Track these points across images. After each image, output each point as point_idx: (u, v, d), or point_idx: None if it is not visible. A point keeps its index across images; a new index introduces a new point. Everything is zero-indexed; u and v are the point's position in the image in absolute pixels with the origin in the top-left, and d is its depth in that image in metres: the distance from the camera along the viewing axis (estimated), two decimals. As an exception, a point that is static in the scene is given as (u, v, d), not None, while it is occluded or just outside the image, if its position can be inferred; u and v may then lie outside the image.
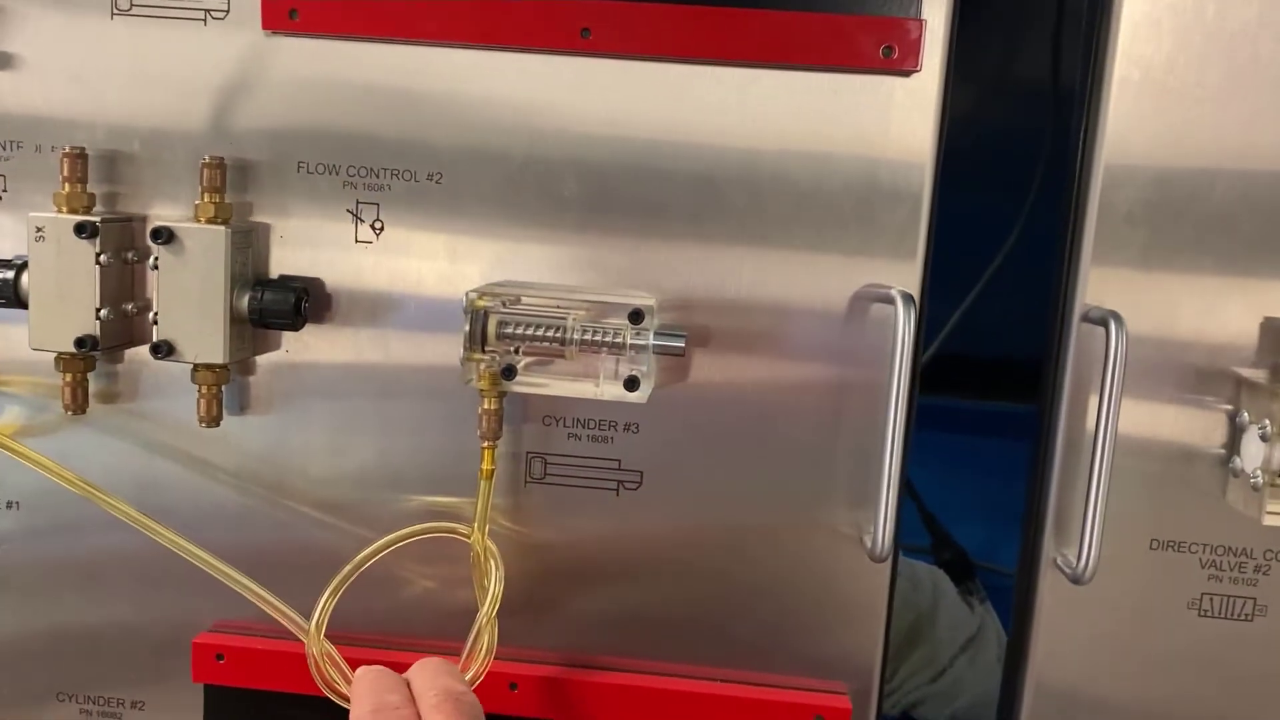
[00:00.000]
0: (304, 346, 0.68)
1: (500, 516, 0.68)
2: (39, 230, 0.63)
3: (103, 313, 0.64)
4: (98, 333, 0.64)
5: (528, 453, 0.68)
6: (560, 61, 0.64)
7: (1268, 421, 0.60)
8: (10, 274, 0.65)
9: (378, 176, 0.66)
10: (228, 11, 0.65)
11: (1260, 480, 0.60)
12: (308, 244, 0.67)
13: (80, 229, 0.63)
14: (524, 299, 0.64)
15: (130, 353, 0.68)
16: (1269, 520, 0.60)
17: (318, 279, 0.67)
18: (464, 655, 0.65)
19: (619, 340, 0.62)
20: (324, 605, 0.63)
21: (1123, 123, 0.63)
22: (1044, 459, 0.68)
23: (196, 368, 0.65)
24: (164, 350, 0.64)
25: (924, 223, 0.64)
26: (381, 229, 0.66)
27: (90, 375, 0.67)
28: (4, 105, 0.67)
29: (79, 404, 0.66)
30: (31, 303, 0.64)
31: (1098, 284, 0.64)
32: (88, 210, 0.65)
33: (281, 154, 0.66)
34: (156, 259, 0.63)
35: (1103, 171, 0.63)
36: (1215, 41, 0.62)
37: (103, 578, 0.71)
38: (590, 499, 0.68)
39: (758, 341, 0.66)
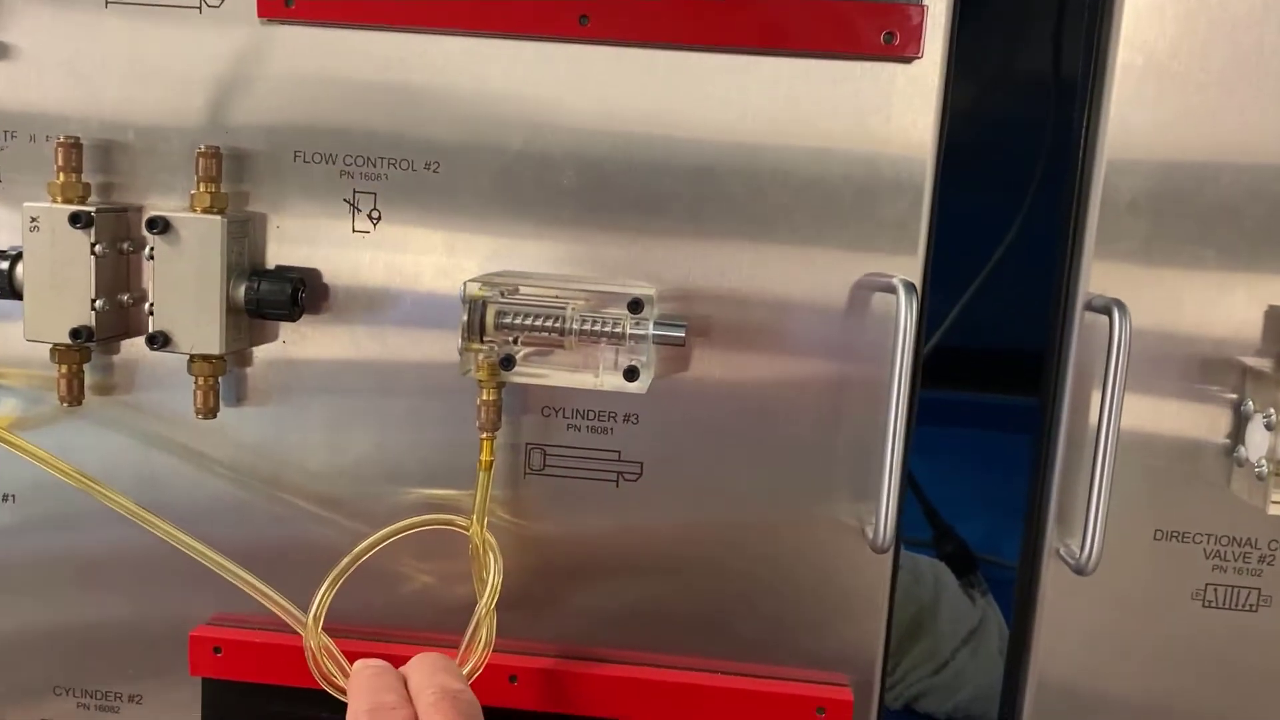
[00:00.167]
0: (301, 338, 0.67)
1: (499, 508, 0.68)
2: (34, 220, 0.63)
3: (98, 303, 0.63)
4: (93, 324, 0.64)
5: (527, 444, 0.67)
6: (558, 50, 0.64)
7: (1273, 410, 0.60)
8: (5, 265, 0.64)
9: (374, 165, 0.65)
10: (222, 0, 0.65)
11: (1265, 469, 0.60)
12: (304, 233, 0.66)
13: (75, 219, 0.62)
14: (522, 289, 0.63)
15: (126, 344, 0.68)
16: (1274, 510, 0.60)
17: (314, 269, 0.67)
18: (462, 647, 0.64)
19: (618, 330, 0.62)
20: (321, 598, 0.63)
21: (1126, 109, 0.62)
22: (1047, 450, 0.68)
23: (193, 359, 0.65)
24: (160, 341, 0.63)
25: (925, 213, 0.64)
26: (379, 218, 0.66)
27: (86, 367, 0.66)
28: (-2, 95, 0.66)
29: (75, 396, 0.66)
30: (26, 294, 0.64)
31: (1100, 275, 0.64)
32: (83, 200, 0.64)
33: (277, 143, 0.66)
34: (152, 249, 0.63)
35: (1105, 160, 0.63)
36: (1219, 28, 0.62)
37: (100, 571, 0.71)
38: (590, 490, 0.67)
39: (758, 333, 0.65)
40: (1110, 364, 0.60)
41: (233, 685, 0.69)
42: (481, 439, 0.65)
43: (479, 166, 0.65)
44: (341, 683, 0.62)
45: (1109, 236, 0.64)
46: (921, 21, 0.61)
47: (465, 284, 0.62)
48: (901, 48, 0.61)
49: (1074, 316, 0.65)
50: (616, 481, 0.67)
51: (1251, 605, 0.66)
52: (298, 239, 0.67)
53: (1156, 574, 0.66)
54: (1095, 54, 0.64)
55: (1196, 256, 0.63)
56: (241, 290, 0.64)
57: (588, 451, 0.67)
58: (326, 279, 0.67)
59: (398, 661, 0.61)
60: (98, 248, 0.63)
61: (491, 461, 0.65)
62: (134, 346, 0.68)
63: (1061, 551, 0.66)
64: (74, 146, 0.64)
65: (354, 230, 0.66)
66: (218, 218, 0.63)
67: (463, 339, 0.63)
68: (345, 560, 0.64)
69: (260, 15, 0.64)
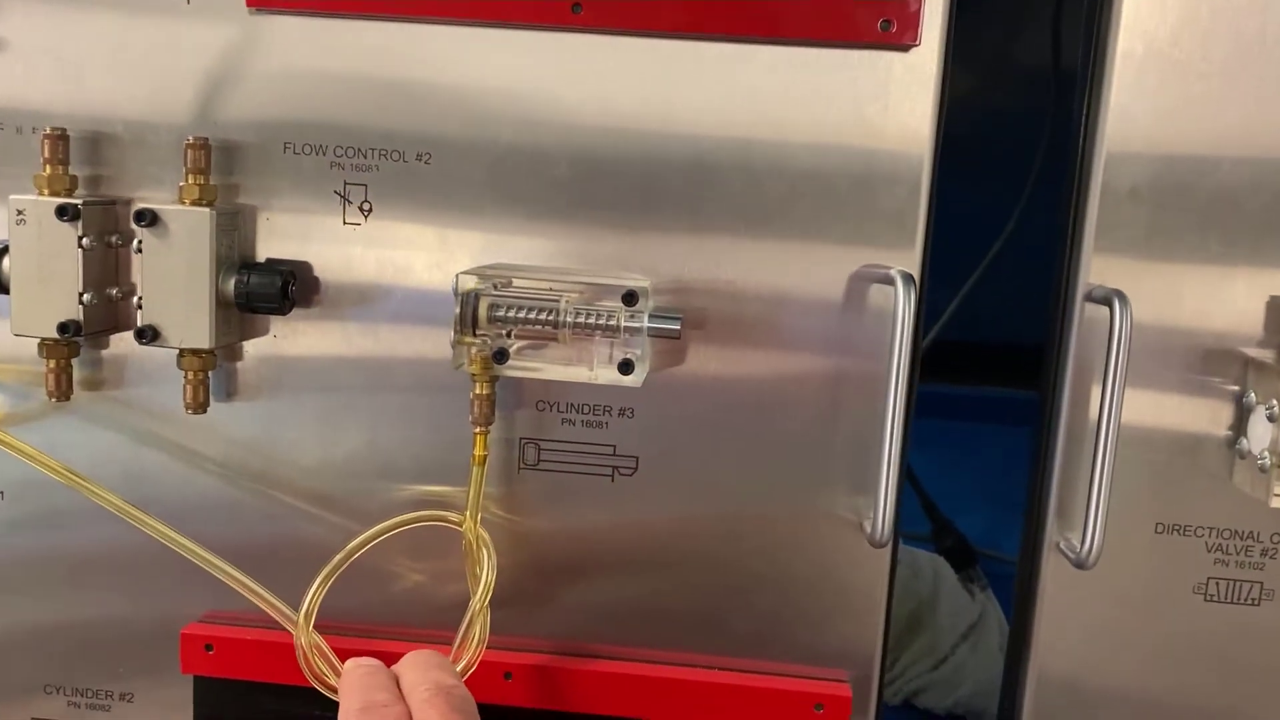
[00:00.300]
0: (292, 332, 0.67)
1: (493, 504, 0.67)
2: (20, 213, 0.62)
3: (86, 297, 0.63)
4: (81, 318, 0.63)
5: (521, 439, 0.67)
6: (550, 39, 0.63)
7: (1275, 402, 0.59)
8: (-9, 258, 0.63)
9: (365, 157, 0.65)
10: (212, -11, 0.64)
11: (1268, 461, 0.59)
12: (294, 226, 0.66)
13: (62, 212, 0.62)
14: (516, 281, 0.62)
15: (115, 338, 0.67)
16: (1276, 502, 0.59)
17: (305, 262, 0.66)
18: (456, 644, 0.64)
19: (613, 323, 0.61)
20: (313, 596, 0.62)
21: (1126, 97, 0.62)
22: (1046, 443, 0.67)
23: (182, 353, 0.64)
24: (149, 335, 0.63)
25: (924, 205, 0.63)
26: (370, 211, 0.65)
27: (74, 362, 0.66)
28: (-16, 87, 0.66)
29: (63, 391, 0.65)
30: (13, 287, 0.63)
31: (1100, 266, 0.63)
32: (70, 193, 0.63)
33: (267, 135, 0.65)
34: (140, 242, 0.62)
35: (1105, 149, 0.62)
36: (1221, 16, 0.61)
37: (90, 568, 0.70)
38: (585, 485, 0.67)
39: (755, 326, 0.65)
40: (1111, 356, 0.59)
41: (224, 683, 0.69)
42: (475, 434, 0.64)
43: (471, 158, 0.64)
44: (333, 681, 0.62)
45: (1109, 227, 0.63)
46: (919, 9, 0.60)
47: (458, 277, 0.61)
48: (899, 35, 0.61)
49: (1074, 308, 0.64)
50: (612, 476, 0.67)
51: (1254, 599, 0.65)
52: (288, 232, 0.66)
53: (1158, 568, 0.65)
54: (1095, 42, 0.63)
55: (1198, 247, 0.63)
56: (231, 284, 0.63)
57: (582, 446, 0.66)
58: (317, 272, 0.66)
59: (390, 660, 0.60)
60: (85, 241, 0.62)
61: (485, 456, 0.64)
62: (123, 341, 0.67)
63: (1062, 545, 0.65)
64: (60, 138, 0.63)
65: (345, 223, 0.65)
66: (206, 210, 0.62)
67: (455, 332, 0.62)
68: (337, 557, 0.63)
69: (249, 5, 0.63)
